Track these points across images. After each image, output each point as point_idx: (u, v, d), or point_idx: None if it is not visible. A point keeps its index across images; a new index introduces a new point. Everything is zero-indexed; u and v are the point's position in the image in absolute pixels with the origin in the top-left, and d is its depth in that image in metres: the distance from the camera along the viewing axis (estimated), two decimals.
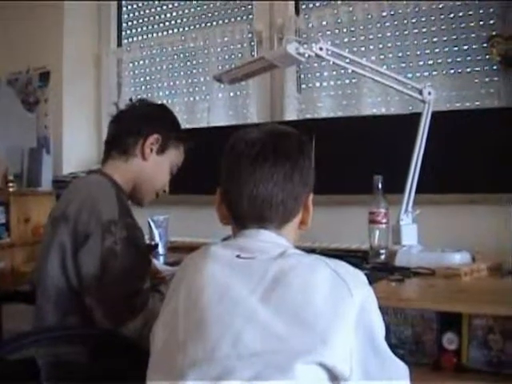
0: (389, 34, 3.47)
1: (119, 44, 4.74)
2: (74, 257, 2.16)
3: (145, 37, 4.62)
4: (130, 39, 4.70)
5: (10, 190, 4.18)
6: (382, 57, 3.48)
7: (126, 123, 2.48)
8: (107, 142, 2.52)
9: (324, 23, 3.68)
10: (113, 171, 2.40)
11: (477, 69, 3.24)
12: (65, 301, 2.18)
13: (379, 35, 3.50)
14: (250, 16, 4.06)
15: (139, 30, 4.65)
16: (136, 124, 2.46)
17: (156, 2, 4.54)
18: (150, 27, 4.59)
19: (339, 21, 3.62)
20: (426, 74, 3.38)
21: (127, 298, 2.10)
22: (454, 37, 3.29)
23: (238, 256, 1.54)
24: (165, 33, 4.50)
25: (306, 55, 2.54)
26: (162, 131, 2.47)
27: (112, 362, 1.97)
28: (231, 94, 4.07)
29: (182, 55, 4.30)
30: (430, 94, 2.65)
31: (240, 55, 4.01)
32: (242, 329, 1.38)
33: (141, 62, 4.53)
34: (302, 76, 3.84)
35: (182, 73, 4.31)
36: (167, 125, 2.53)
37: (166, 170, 2.55)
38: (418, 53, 3.38)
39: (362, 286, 1.47)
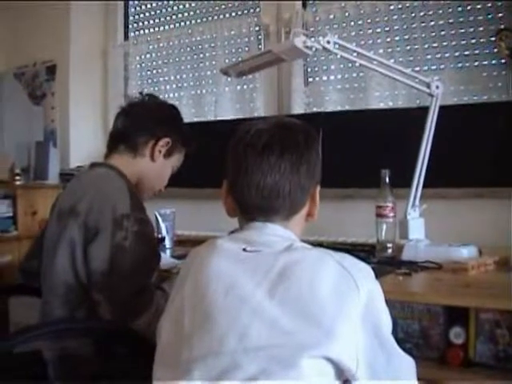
0: (396, 28, 3.46)
1: (126, 37, 4.74)
2: (83, 252, 2.15)
3: (152, 30, 4.62)
4: (137, 32, 4.70)
5: (17, 183, 4.20)
6: (389, 50, 3.47)
7: (138, 120, 2.48)
8: (114, 134, 2.50)
9: (331, 17, 3.67)
10: (119, 165, 2.39)
11: (485, 62, 3.22)
12: (73, 296, 2.18)
13: (387, 28, 3.48)
14: (257, 9, 4.05)
15: (146, 23, 4.65)
16: (149, 123, 2.46)
17: None
18: (156, 21, 4.58)
19: (346, 14, 3.61)
20: (434, 67, 3.37)
21: (135, 294, 2.10)
22: (462, 30, 3.27)
23: (244, 249, 1.54)
24: (172, 26, 4.49)
25: (314, 48, 2.53)
26: (173, 135, 2.48)
27: (119, 355, 1.98)
28: (238, 88, 4.06)
29: (188, 49, 4.30)
30: (437, 87, 2.64)
31: (247, 49, 4.00)
32: (249, 323, 1.38)
33: (148, 56, 4.53)
34: (309, 69, 3.83)
35: (188, 66, 4.31)
36: (178, 129, 2.53)
37: (169, 173, 2.57)
38: (426, 46, 3.36)
39: (368, 280, 1.47)
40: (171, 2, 4.50)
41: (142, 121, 2.47)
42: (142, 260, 2.14)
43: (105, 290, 2.10)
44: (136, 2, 4.71)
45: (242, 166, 1.63)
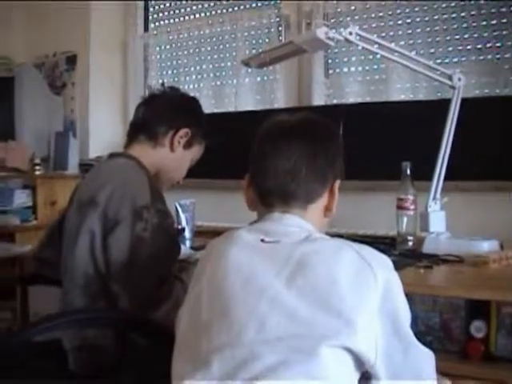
0: (418, 20, 3.44)
1: (146, 28, 4.75)
2: (102, 243, 2.15)
3: (172, 21, 4.62)
4: (157, 23, 4.71)
5: (37, 173, 4.23)
6: (410, 42, 3.46)
7: (159, 110, 2.47)
8: (135, 124, 2.50)
9: (352, 8, 3.65)
10: (139, 155, 2.38)
11: (507, 55, 3.20)
12: (93, 286, 2.18)
13: (408, 20, 3.47)
14: (278, 0, 4.03)
15: (166, 14, 4.66)
16: (169, 114, 2.46)
17: None
18: (176, 11, 4.58)
19: (367, 6, 3.60)
20: (455, 59, 3.35)
21: (154, 286, 2.10)
22: (484, 22, 3.25)
23: (262, 240, 1.54)
24: (192, 17, 4.49)
25: (335, 40, 2.53)
26: (193, 126, 2.47)
27: (138, 345, 1.98)
28: (258, 79, 4.06)
29: (209, 40, 4.30)
30: (460, 79, 2.63)
31: (267, 40, 3.99)
32: (267, 313, 1.38)
33: (167, 47, 4.54)
34: (330, 61, 3.82)
35: (209, 57, 4.31)
36: (198, 121, 2.52)
37: (187, 165, 2.56)
38: (448, 38, 3.35)
39: (386, 270, 1.47)
40: None
41: (162, 111, 2.47)
42: (162, 252, 2.14)
43: (124, 281, 2.10)
44: None
45: (261, 152, 1.68)
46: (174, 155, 2.46)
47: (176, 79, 4.45)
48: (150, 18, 4.75)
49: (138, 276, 2.09)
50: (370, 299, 1.39)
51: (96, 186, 2.24)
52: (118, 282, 2.11)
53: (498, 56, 3.23)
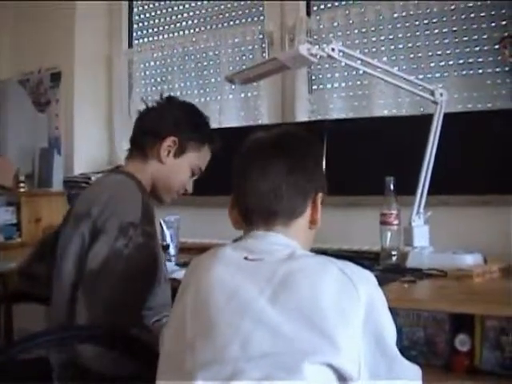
0: (400, 35, 3.45)
1: (130, 45, 4.75)
2: (87, 252, 2.14)
3: (156, 38, 4.62)
4: (141, 40, 4.71)
5: (21, 190, 4.21)
6: (393, 58, 3.46)
7: (146, 122, 2.46)
8: (130, 140, 2.50)
9: (335, 24, 3.66)
10: (134, 171, 2.37)
11: (488, 70, 3.21)
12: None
13: (391, 36, 3.48)
14: (261, 17, 4.04)
15: (150, 30, 4.66)
16: (154, 124, 2.42)
17: (167, 3, 4.54)
18: (161, 28, 4.59)
19: (350, 22, 3.60)
20: (438, 75, 3.35)
21: (117, 303, 2.05)
22: (466, 38, 3.26)
23: (245, 258, 1.55)
24: (176, 34, 4.49)
25: (318, 56, 2.54)
26: (180, 133, 2.40)
27: (124, 362, 1.97)
28: (242, 95, 4.06)
29: (193, 56, 4.29)
30: (441, 95, 2.65)
31: (251, 56, 4.00)
32: (251, 330, 1.39)
33: (152, 63, 4.53)
34: (313, 77, 3.82)
35: (193, 74, 4.30)
36: (186, 126, 2.43)
37: (185, 172, 2.48)
38: (430, 54, 3.35)
39: (369, 287, 1.48)
40: (175, 10, 4.50)
41: (147, 123, 2.45)
42: (138, 272, 2.11)
43: (89, 289, 2.07)
44: (140, 10, 4.72)
45: (241, 172, 1.70)
46: (166, 166, 2.41)
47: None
48: (135, 34, 4.75)
49: (104, 287, 2.06)
50: (353, 316, 1.40)
51: (92, 200, 2.23)
52: (84, 288, 2.07)
53: (480, 71, 3.25)
